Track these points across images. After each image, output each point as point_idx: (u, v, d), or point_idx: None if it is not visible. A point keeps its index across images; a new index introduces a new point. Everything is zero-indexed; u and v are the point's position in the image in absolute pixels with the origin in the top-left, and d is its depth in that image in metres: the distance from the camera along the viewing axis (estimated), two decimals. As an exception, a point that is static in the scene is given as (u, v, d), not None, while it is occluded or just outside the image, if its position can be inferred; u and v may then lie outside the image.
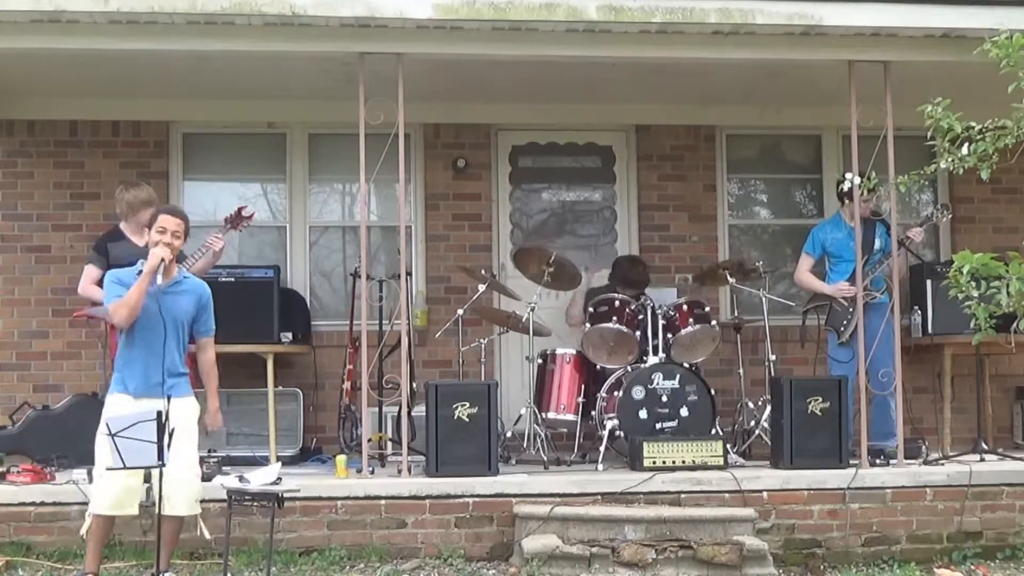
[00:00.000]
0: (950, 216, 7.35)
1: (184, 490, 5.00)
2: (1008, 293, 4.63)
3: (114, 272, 5.25)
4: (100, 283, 6.35)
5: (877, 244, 6.96)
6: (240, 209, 6.71)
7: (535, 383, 7.01)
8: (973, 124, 4.79)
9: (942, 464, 6.44)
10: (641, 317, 6.86)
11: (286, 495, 5.35)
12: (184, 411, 5.09)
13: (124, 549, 5.67)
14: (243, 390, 7.17)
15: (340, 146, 7.72)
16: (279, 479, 5.36)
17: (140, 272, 5.07)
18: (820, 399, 6.32)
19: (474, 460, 6.04)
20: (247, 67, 6.79)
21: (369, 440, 6.49)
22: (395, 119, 6.06)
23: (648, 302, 6.97)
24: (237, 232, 6.91)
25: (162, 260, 4.98)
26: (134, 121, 7.84)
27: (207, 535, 5.24)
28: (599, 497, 5.91)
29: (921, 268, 7.53)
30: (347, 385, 7.09)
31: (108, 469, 4.73)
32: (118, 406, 4.98)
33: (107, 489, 4.95)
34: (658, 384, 6.61)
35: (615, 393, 6.70)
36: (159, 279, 5.03)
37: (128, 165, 7.76)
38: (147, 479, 5.01)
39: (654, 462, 6.16)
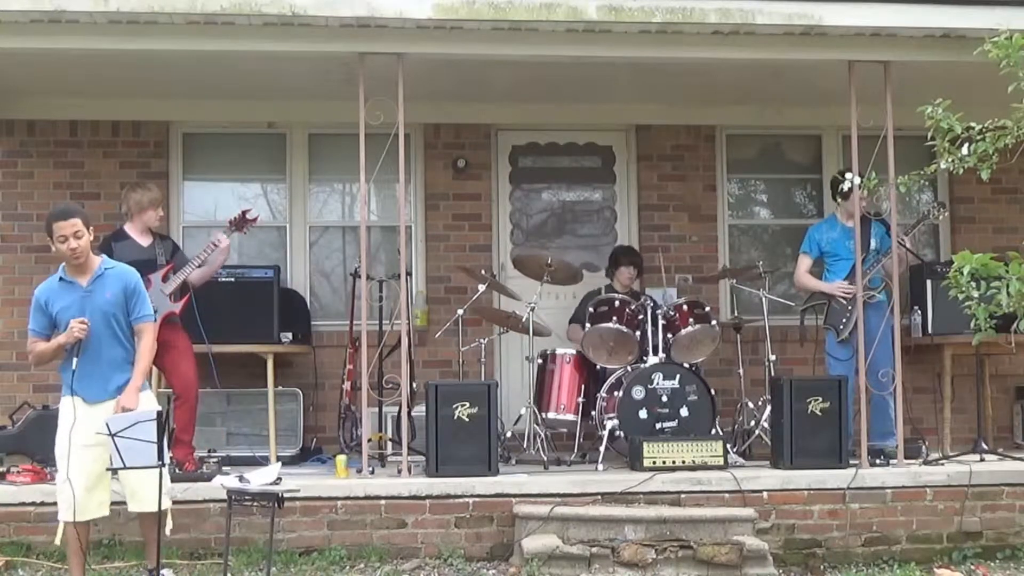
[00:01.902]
0: (946, 213, 7.33)
1: (149, 484, 4.79)
2: (1008, 293, 4.62)
3: (40, 291, 5.07)
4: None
5: (873, 244, 6.93)
6: (245, 212, 6.70)
7: (535, 383, 7.01)
8: (973, 124, 4.79)
9: (942, 464, 6.44)
10: (641, 317, 6.85)
11: (286, 495, 5.35)
12: (140, 406, 4.91)
13: (124, 549, 5.67)
14: (243, 390, 7.19)
15: (340, 146, 7.71)
16: (279, 479, 5.35)
17: (61, 279, 5.01)
18: (820, 399, 6.32)
19: (474, 460, 6.04)
20: (247, 67, 6.79)
21: (369, 440, 6.49)
22: (395, 119, 6.06)
23: (648, 302, 6.96)
24: (241, 234, 6.90)
25: (79, 339, 4.85)
26: (134, 121, 7.83)
27: (168, 532, 5.04)
28: (599, 497, 5.91)
29: (921, 268, 7.53)
30: (347, 385, 7.08)
31: (108, 469, 4.74)
32: (70, 411, 4.89)
33: (69, 496, 4.83)
34: (658, 384, 6.60)
35: (615, 393, 6.69)
36: (81, 282, 4.97)
37: (128, 165, 7.76)
38: (113, 473, 4.88)
39: (654, 462, 6.16)
